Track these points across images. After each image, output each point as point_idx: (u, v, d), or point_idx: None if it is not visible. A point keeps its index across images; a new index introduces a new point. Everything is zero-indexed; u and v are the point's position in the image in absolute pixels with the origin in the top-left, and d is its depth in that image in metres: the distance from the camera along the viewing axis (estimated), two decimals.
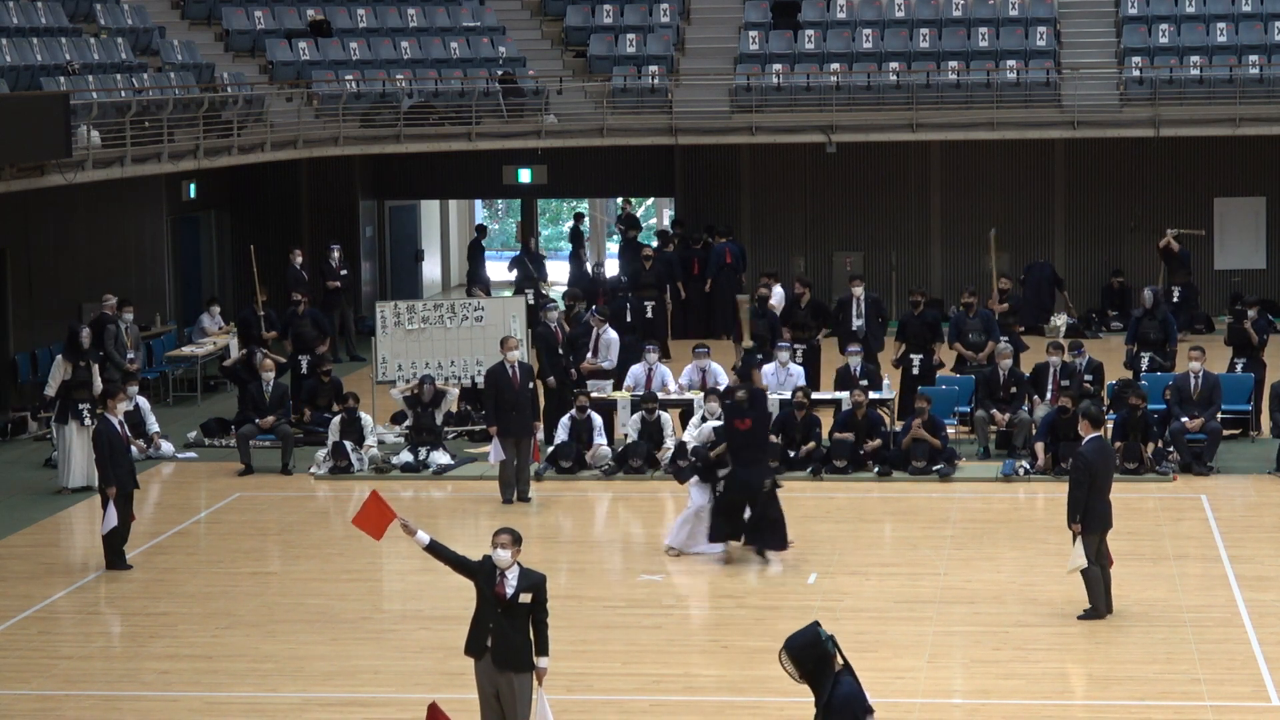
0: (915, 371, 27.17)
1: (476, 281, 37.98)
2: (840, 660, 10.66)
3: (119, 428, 20.72)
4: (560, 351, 26.80)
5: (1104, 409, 25.67)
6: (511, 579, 13.34)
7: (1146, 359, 27.12)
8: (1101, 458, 17.85)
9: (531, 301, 31.22)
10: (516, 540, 13.42)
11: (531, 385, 23.85)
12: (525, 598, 13.34)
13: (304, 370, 28.40)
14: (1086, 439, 18.03)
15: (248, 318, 29.58)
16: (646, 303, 33.09)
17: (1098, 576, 17.81)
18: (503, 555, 13.33)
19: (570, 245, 40.62)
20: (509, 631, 13.33)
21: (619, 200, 42.07)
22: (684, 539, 20.67)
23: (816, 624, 10.72)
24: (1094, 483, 17.65)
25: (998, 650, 17.08)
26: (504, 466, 23.28)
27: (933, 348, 27.53)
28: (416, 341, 26.73)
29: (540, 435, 24.36)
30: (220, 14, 37.18)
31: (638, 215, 41.74)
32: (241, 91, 34.04)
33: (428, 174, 39.08)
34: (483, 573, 13.44)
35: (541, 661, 13.43)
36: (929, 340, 27.52)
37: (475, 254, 39.78)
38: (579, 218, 41.90)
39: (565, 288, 36.38)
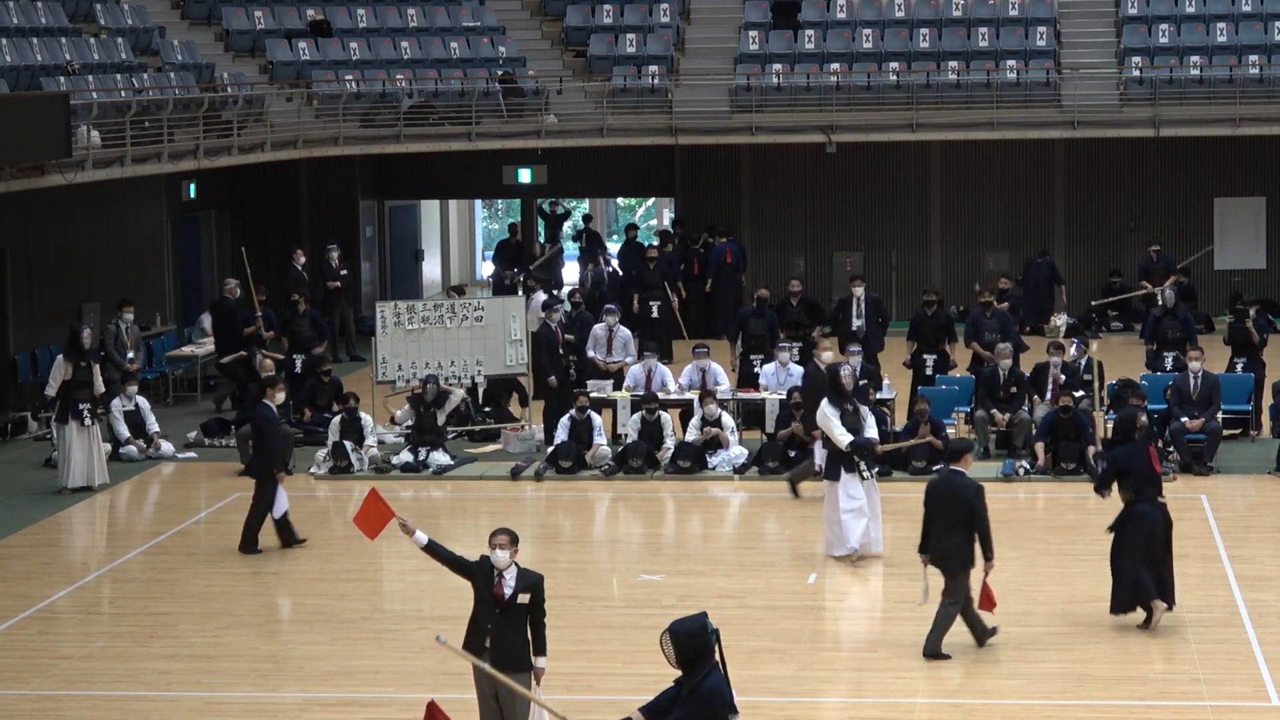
0: (929, 371, 27.20)
1: (503, 286, 37.93)
2: (718, 656, 10.69)
3: (278, 414, 21.32)
4: (560, 351, 26.84)
5: (1105, 409, 25.81)
6: (509, 579, 13.35)
7: (1171, 359, 27.03)
8: (938, 493, 16.78)
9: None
10: (514, 540, 13.43)
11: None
12: (523, 598, 13.35)
13: (298, 370, 28.38)
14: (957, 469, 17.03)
15: (247, 316, 29.59)
16: (651, 303, 33.22)
17: (948, 617, 16.82)
18: (501, 556, 13.34)
19: (580, 249, 40.05)
20: (507, 632, 13.33)
21: (546, 201, 41.84)
22: (871, 537, 20.00)
23: (704, 615, 10.77)
24: (930, 516, 16.78)
25: (998, 650, 17.07)
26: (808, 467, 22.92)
27: (945, 348, 27.57)
28: (416, 341, 26.72)
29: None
30: (220, 14, 37.18)
31: (568, 210, 41.69)
32: (241, 91, 34.03)
33: (428, 174, 39.09)
34: (480, 573, 13.44)
35: (539, 661, 13.44)
36: (942, 340, 27.57)
37: (510, 256, 39.59)
38: (589, 219, 41.52)
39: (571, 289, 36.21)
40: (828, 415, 19.93)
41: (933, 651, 16.68)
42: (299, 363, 28.61)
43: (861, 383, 22.02)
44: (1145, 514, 17.34)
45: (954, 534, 16.58)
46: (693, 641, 10.58)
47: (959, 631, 17.67)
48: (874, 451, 20.21)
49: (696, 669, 10.55)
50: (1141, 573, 17.30)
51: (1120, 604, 17.51)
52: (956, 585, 16.68)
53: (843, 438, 19.82)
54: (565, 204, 42.29)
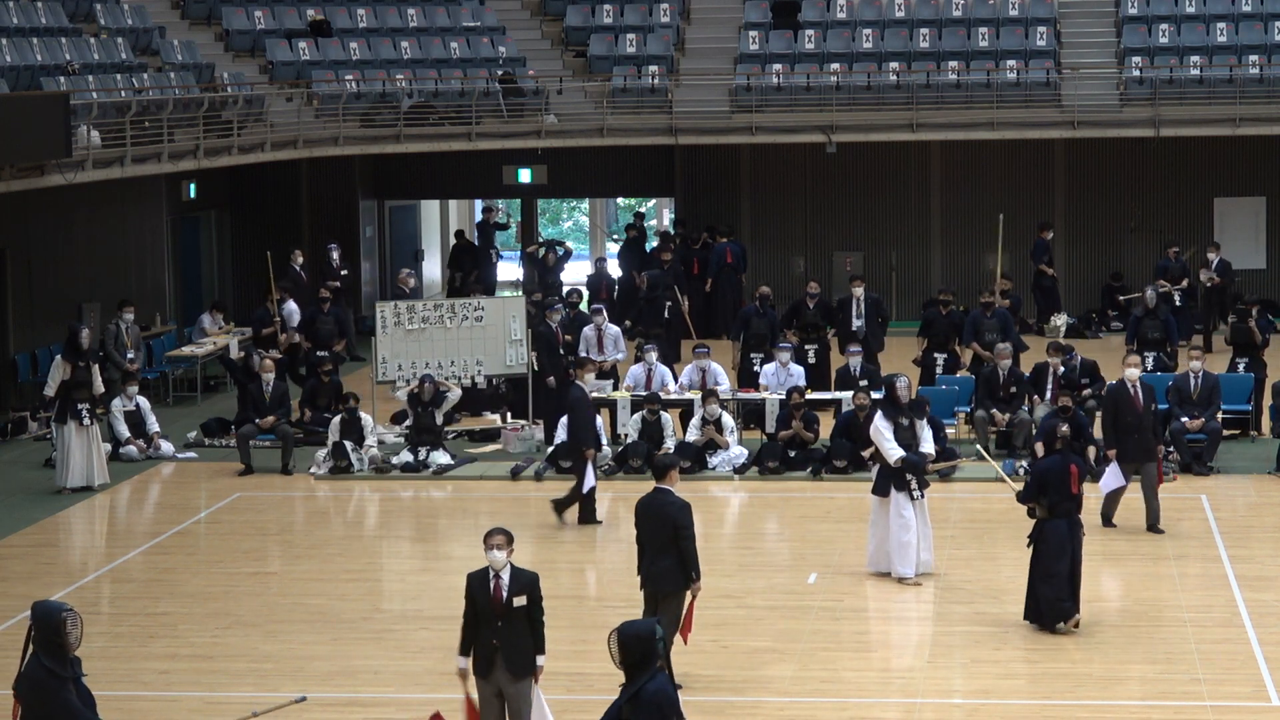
0: (939, 370, 27.24)
1: (455, 289, 37.55)
2: (663, 663, 10.70)
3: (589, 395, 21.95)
4: (561, 351, 26.85)
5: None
6: (505, 580, 13.39)
7: (1151, 359, 27.11)
8: (645, 513, 15.83)
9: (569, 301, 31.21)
10: (510, 541, 13.48)
11: (1154, 406, 21.50)
12: (519, 601, 13.41)
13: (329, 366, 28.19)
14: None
15: (263, 317, 29.64)
16: (665, 303, 33.32)
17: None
18: (498, 556, 13.39)
19: (622, 255, 39.15)
20: (512, 638, 13.39)
21: (498, 203, 41.61)
22: (923, 559, 19.25)
23: (656, 622, 10.80)
24: (639, 538, 15.93)
25: (998, 650, 17.08)
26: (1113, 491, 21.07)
27: (955, 348, 27.60)
28: (416, 341, 26.72)
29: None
30: (220, 14, 37.18)
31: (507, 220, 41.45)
32: (241, 91, 34.04)
33: (428, 174, 39.08)
34: (476, 587, 13.47)
35: (538, 660, 13.50)
36: (953, 340, 27.60)
37: (462, 258, 39.38)
38: (640, 217, 40.82)
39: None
40: (880, 429, 19.20)
41: None
42: (326, 359, 28.41)
43: (918, 397, 20.95)
44: (1055, 530, 17.38)
45: (665, 555, 15.68)
46: (639, 644, 10.62)
47: (957, 631, 17.68)
48: (925, 469, 19.44)
49: (639, 672, 10.60)
50: (1059, 592, 17.35)
51: (1032, 614, 17.56)
52: (671, 607, 15.79)
53: (893, 453, 19.11)
54: (505, 214, 41.84)
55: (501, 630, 13.37)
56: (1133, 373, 21.50)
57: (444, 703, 15.76)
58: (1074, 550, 17.41)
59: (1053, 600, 17.39)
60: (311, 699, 15.95)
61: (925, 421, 19.75)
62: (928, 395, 25.11)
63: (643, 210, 43.90)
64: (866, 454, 21.17)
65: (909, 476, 19.14)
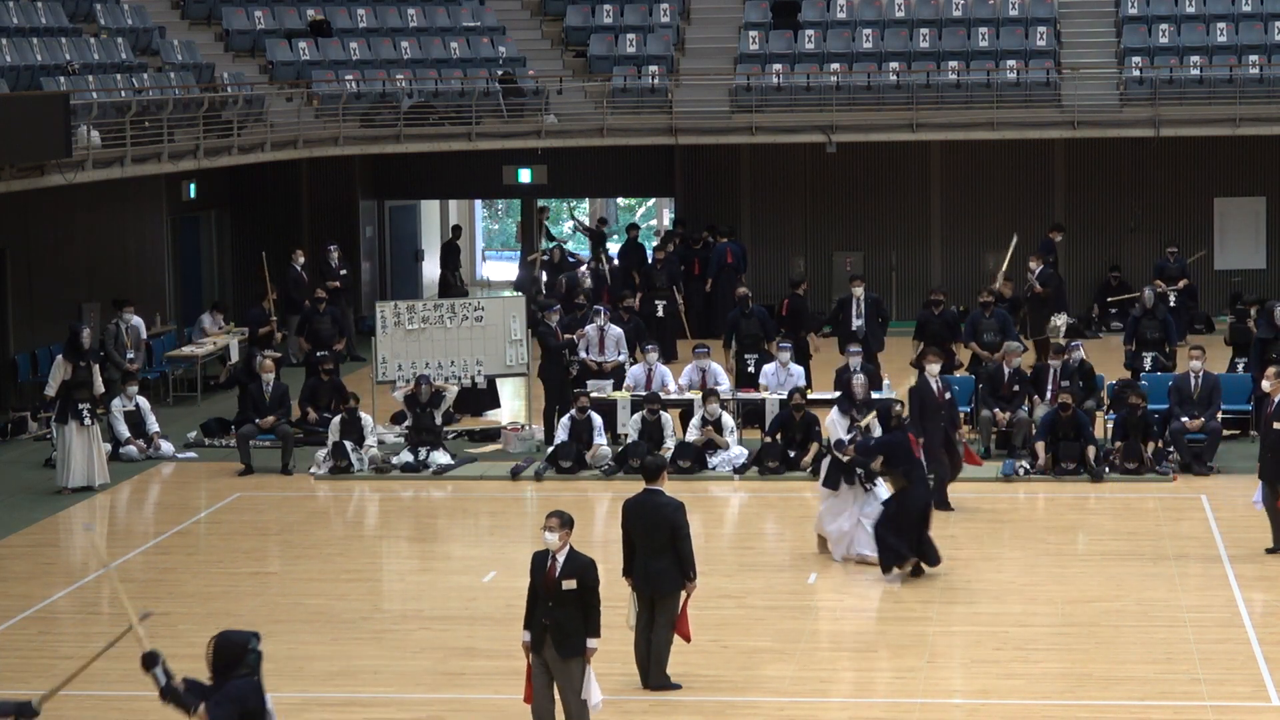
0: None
1: (449, 288, 37.46)
2: (254, 673, 10.71)
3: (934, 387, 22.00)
4: (560, 350, 26.85)
5: (1104, 408, 25.83)
6: (560, 561, 14.00)
7: (1149, 359, 27.12)
8: (636, 514, 15.82)
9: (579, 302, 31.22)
10: (565, 524, 14.05)
11: None
12: (570, 584, 13.97)
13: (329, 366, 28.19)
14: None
15: (258, 317, 29.67)
16: (658, 302, 33.34)
17: (646, 644, 15.98)
18: (550, 537, 14.01)
19: (622, 258, 39.02)
20: (562, 620, 13.97)
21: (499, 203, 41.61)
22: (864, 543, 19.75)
23: (253, 635, 10.79)
24: (630, 539, 15.85)
25: (998, 650, 17.08)
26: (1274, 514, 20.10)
27: (951, 348, 27.57)
28: (416, 341, 26.72)
29: None
30: (220, 14, 37.17)
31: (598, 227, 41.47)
32: (241, 91, 34.03)
33: (428, 174, 39.08)
34: (535, 566, 14.12)
35: (590, 642, 14.15)
36: (948, 340, 27.56)
37: (453, 258, 39.32)
38: (604, 223, 40.78)
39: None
40: (836, 422, 19.68)
41: (659, 684, 15.87)
42: (329, 357, 28.44)
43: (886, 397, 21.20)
44: (919, 496, 19.19)
45: (661, 556, 15.63)
46: (230, 650, 10.68)
47: (957, 631, 17.68)
48: (871, 464, 19.55)
49: (224, 678, 10.65)
50: (900, 541, 18.96)
51: (888, 566, 19.15)
52: (669, 607, 15.78)
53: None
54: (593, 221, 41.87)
55: (553, 610, 13.94)
56: (1268, 386, 20.13)
57: (443, 703, 15.82)
58: (928, 509, 19.23)
59: (894, 548, 18.92)
60: (311, 699, 15.95)
61: (878, 419, 20.58)
62: None
63: (605, 217, 43.85)
64: (844, 456, 20.98)
65: (858, 470, 19.78)
